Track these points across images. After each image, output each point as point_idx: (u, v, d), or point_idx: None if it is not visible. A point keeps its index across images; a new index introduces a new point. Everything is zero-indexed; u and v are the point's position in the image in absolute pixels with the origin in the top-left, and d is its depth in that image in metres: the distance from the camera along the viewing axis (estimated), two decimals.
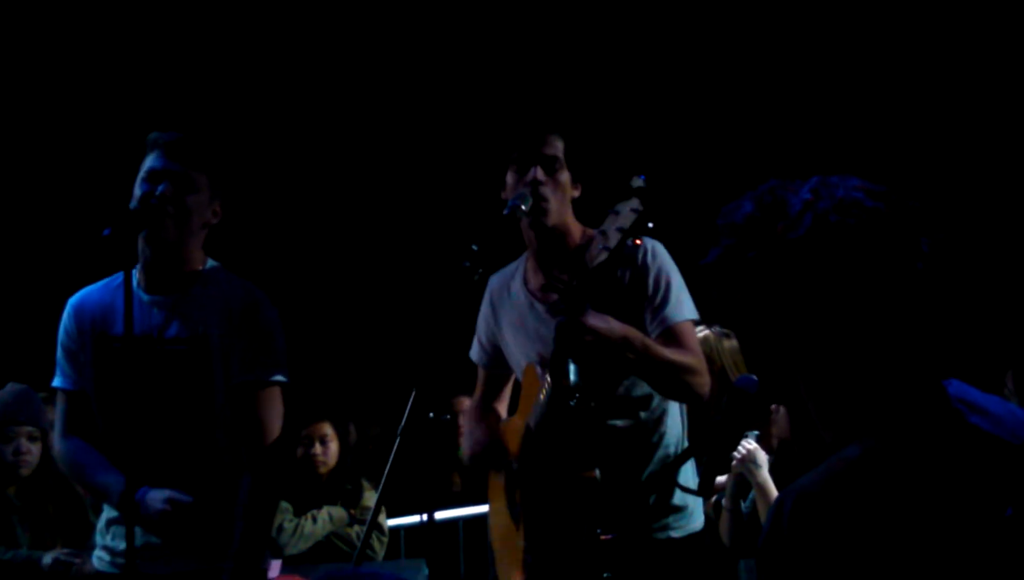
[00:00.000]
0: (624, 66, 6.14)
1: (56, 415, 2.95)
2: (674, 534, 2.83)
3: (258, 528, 2.74)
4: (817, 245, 1.39)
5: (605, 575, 2.61)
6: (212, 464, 2.80)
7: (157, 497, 2.68)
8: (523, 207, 2.72)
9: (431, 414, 2.85)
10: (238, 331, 2.77)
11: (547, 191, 2.79)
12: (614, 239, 2.46)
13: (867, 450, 1.35)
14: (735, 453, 3.50)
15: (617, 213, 2.48)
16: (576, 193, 2.90)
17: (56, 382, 2.92)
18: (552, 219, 2.81)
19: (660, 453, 2.85)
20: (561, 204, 2.84)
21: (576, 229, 2.90)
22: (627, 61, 6.14)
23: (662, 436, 2.86)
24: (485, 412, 3.12)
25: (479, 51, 6.26)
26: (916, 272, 1.39)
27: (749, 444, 3.52)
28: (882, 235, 1.39)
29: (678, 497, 2.83)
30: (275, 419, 2.79)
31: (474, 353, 3.13)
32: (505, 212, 2.72)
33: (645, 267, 2.77)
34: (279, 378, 2.81)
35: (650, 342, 2.67)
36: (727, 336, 3.71)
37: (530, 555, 2.80)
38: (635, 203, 2.46)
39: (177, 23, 6.10)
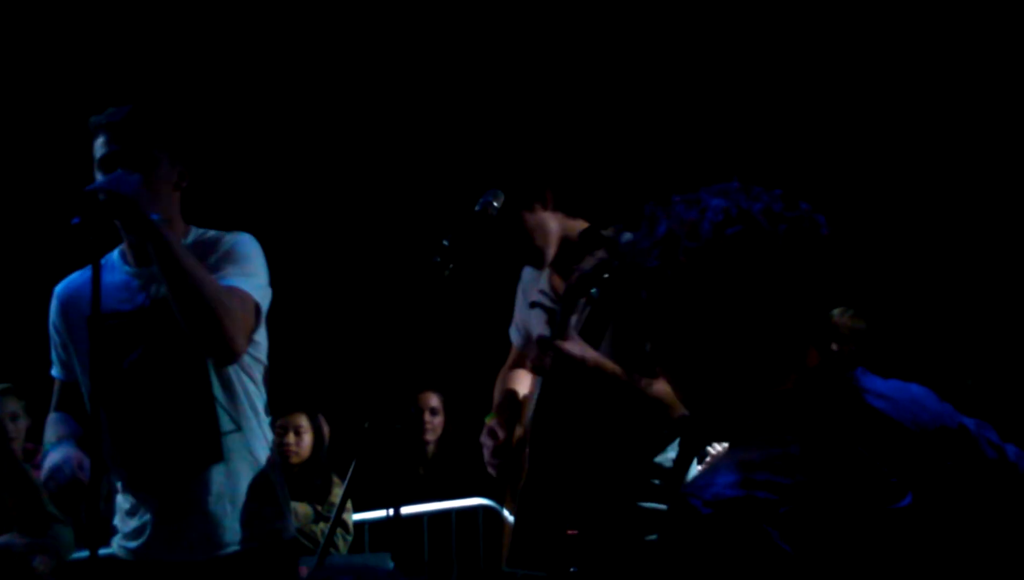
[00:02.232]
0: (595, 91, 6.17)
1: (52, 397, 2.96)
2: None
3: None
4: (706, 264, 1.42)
5: (572, 569, 2.62)
6: (210, 429, 2.75)
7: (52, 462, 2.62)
8: (495, 203, 2.73)
9: (398, 426, 2.86)
10: (217, 264, 2.75)
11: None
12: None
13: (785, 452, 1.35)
14: (709, 449, 3.52)
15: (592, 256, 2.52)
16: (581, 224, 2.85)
17: (52, 371, 2.94)
18: (550, 261, 2.84)
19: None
20: (556, 245, 2.83)
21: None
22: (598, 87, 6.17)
23: None
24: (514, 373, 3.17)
25: (451, 52, 6.28)
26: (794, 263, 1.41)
27: (723, 444, 3.53)
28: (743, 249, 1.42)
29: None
30: (236, 302, 2.67)
31: (512, 334, 3.14)
32: (477, 208, 2.73)
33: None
34: (247, 288, 2.73)
35: (636, 376, 2.60)
36: None
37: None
38: (602, 253, 2.48)
39: (166, 14, 6.08)
